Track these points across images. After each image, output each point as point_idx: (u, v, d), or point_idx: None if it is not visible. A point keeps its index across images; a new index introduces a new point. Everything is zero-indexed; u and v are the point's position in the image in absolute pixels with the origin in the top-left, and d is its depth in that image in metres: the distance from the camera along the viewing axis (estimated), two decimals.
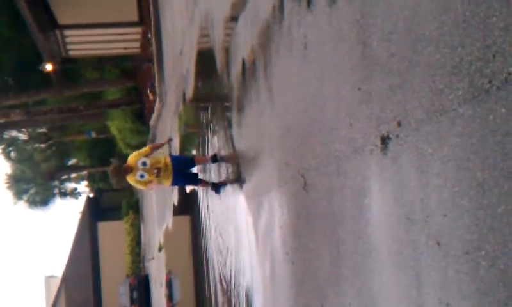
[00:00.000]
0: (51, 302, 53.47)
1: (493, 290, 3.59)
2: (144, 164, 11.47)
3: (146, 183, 11.74)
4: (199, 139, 15.56)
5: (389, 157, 4.81)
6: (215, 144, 13.05)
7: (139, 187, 12.09)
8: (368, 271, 5.42)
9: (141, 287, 33.72)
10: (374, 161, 5.09)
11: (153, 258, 30.73)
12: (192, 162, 12.79)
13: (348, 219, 5.77)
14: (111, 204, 51.28)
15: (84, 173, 59.64)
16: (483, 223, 3.62)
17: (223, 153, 12.09)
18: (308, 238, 7.10)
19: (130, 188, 56.96)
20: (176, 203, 21.50)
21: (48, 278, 65.59)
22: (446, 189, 3.98)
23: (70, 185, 60.19)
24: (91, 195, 57.27)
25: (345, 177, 5.77)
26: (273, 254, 8.64)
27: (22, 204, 53.78)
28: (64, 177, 58.60)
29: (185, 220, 23.06)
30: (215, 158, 12.45)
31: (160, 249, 25.96)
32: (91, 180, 60.83)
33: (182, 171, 12.11)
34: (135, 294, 33.85)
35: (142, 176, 11.51)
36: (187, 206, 20.91)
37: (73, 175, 60.27)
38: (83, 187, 62.36)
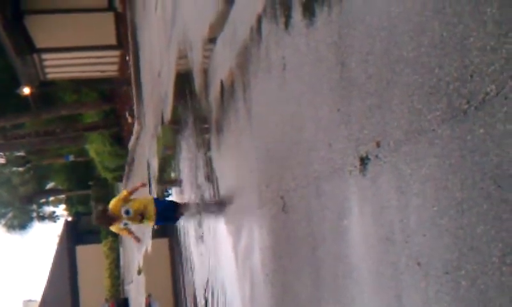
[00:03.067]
0: None
1: None
2: (127, 212, 11.45)
3: (128, 232, 11.92)
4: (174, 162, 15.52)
5: (368, 177, 4.81)
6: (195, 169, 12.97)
7: (122, 234, 12.37)
8: (349, 293, 5.41)
9: None
10: (353, 182, 5.09)
11: (132, 281, 30.57)
12: (175, 206, 12.82)
13: (328, 240, 5.76)
14: (89, 227, 51.01)
15: (63, 196, 59.43)
16: (463, 243, 3.62)
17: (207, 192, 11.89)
18: (288, 260, 7.08)
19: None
20: (155, 226, 21.41)
21: (27, 302, 65.13)
22: (425, 209, 3.98)
23: (48, 209, 60.03)
24: (70, 218, 57.05)
25: (324, 198, 5.77)
26: (253, 275, 8.61)
27: (0, 228, 53.45)
28: (42, 201, 58.39)
29: (163, 243, 22.95)
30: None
31: (139, 272, 25.83)
32: (70, 203, 60.62)
33: (164, 214, 12.17)
34: None
35: (126, 224, 11.57)
36: (166, 229, 20.84)
37: (51, 199, 60.07)
38: (61, 210, 62.16)
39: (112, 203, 11.57)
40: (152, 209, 11.72)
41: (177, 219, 13.31)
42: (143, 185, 13.21)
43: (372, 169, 4.72)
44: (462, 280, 3.65)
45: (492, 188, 3.36)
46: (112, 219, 11.42)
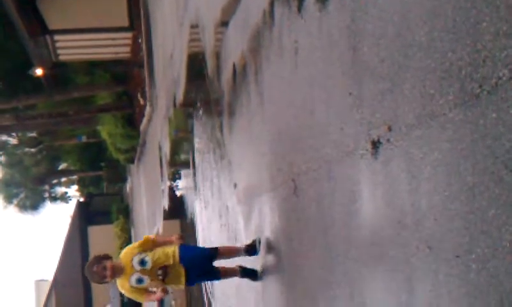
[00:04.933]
0: (41, 305, 53.35)
1: (483, 293, 3.60)
2: (142, 262, 8.12)
3: (144, 292, 8.35)
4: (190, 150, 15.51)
5: (379, 161, 4.82)
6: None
7: (133, 297, 8.43)
8: (359, 276, 5.44)
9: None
10: (364, 165, 5.10)
11: None
12: (212, 255, 8.96)
13: (339, 223, 5.78)
14: (101, 208, 51.39)
15: (75, 177, 59.64)
16: (474, 227, 3.63)
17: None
18: (298, 243, 7.11)
19: (120, 192, 57.04)
20: (166, 208, 21.49)
21: (39, 282, 65.48)
22: (436, 193, 3.99)
23: (60, 190, 60.21)
24: (82, 199, 57.31)
25: (335, 181, 5.78)
26: (265, 259, 8.64)
27: (12, 209, 53.71)
28: (54, 181, 58.57)
29: (175, 224, 23.02)
30: (252, 249, 8.88)
31: None
32: (82, 184, 60.89)
33: (197, 267, 8.63)
34: (125, 298, 33.72)
35: (140, 280, 8.17)
36: (177, 211, 20.90)
37: (63, 179, 60.28)
38: (73, 191, 62.38)
39: (126, 250, 8.44)
40: (182, 269, 8.36)
41: (217, 272, 9.10)
42: (180, 238, 8.69)
43: (384, 153, 4.73)
44: (473, 264, 3.67)
45: (504, 172, 3.37)
46: (116, 271, 8.09)
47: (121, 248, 39.66)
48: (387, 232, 4.77)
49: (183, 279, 8.39)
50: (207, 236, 14.05)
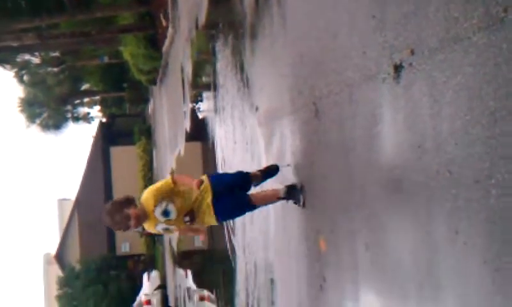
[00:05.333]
0: (64, 224, 54.12)
1: (502, 218, 3.62)
2: (166, 213, 7.40)
3: (172, 231, 7.97)
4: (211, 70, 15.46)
5: (401, 85, 4.80)
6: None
7: (165, 233, 8.20)
8: (378, 198, 5.46)
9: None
10: (386, 89, 5.09)
11: None
12: (246, 182, 8.08)
13: (359, 146, 5.79)
14: (123, 129, 51.65)
15: (97, 97, 59.78)
16: (494, 152, 3.63)
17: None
18: (319, 165, 7.14)
19: (142, 114, 57.17)
20: (188, 129, 21.57)
21: (61, 201, 66.24)
22: (458, 118, 3.98)
23: (83, 110, 60.37)
24: (104, 120, 57.54)
25: (357, 105, 5.78)
26: (284, 180, 8.68)
27: (35, 128, 54.01)
28: (77, 102, 58.74)
29: (196, 146, 23.15)
30: (293, 193, 7.80)
31: (172, 175, 26.11)
32: (104, 105, 61.04)
33: (229, 203, 7.73)
34: None
35: (167, 229, 7.73)
36: (199, 133, 20.97)
37: (86, 100, 60.42)
38: (96, 111, 62.57)
39: (147, 194, 7.53)
40: (210, 206, 7.51)
41: (252, 205, 7.85)
42: (200, 183, 7.50)
43: (406, 77, 4.71)
44: (492, 189, 3.67)
45: None
46: (139, 217, 7.36)
47: (143, 170, 39.76)
48: (408, 156, 4.78)
49: (213, 219, 7.59)
50: (228, 159, 14.11)
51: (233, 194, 7.75)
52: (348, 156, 6.11)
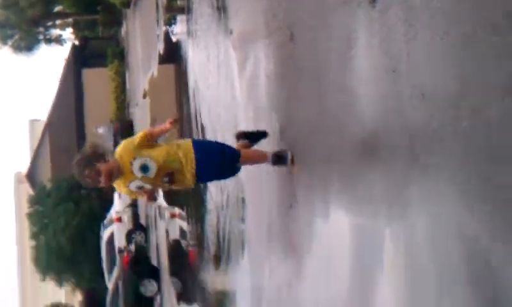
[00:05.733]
0: (35, 144, 53.86)
1: (475, 139, 3.66)
2: (144, 168, 6.75)
3: (142, 193, 7.10)
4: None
5: (377, 9, 4.79)
6: None
7: (131, 196, 7.92)
8: (350, 121, 5.48)
9: (124, 132, 33.77)
10: (362, 13, 5.07)
11: (137, 104, 30.79)
12: (234, 156, 7.15)
13: (334, 70, 5.80)
14: (96, 52, 51.12)
15: (70, 20, 59.01)
16: (468, 74, 3.65)
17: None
18: (293, 89, 7.14)
19: (115, 36, 56.67)
20: (161, 52, 21.44)
21: (33, 121, 65.74)
22: (433, 42, 3.99)
23: (55, 32, 59.59)
24: (77, 42, 56.89)
25: (332, 29, 5.76)
26: (258, 102, 8.68)
27: (7, 50, 53.41)
28: (49, 24, 57.98)
29: (170, 68, 22.98)
30: (280, 158, 7.20)
31: (144, 96, 25.95)
32: (77, 27, 60.25)
33: (213, 170, 7.25)
34: (119, 139, 33.98)
35: (140, 187, 6.91)
36: (172, 55, 20.84)
37: (58, 22, 59.61)
38: (68, 34, 61.82)
39: (122, 147, 6.85)
40: (191, 159, 6.87)
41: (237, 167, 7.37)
42: (174, 122, 7.03)
43: (382, 1, 4.70)
44: (464, 112, 3.70)
45: (501, 21, 3.37)
46: (113, 171, 6.62)
47: (116, 92, 39.47)
48: (382, 80, 4.80)
49: (192, 182, 7.04)
50: (200, 83, 14.04)
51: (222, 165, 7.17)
52: (322, 79, 6.11)
